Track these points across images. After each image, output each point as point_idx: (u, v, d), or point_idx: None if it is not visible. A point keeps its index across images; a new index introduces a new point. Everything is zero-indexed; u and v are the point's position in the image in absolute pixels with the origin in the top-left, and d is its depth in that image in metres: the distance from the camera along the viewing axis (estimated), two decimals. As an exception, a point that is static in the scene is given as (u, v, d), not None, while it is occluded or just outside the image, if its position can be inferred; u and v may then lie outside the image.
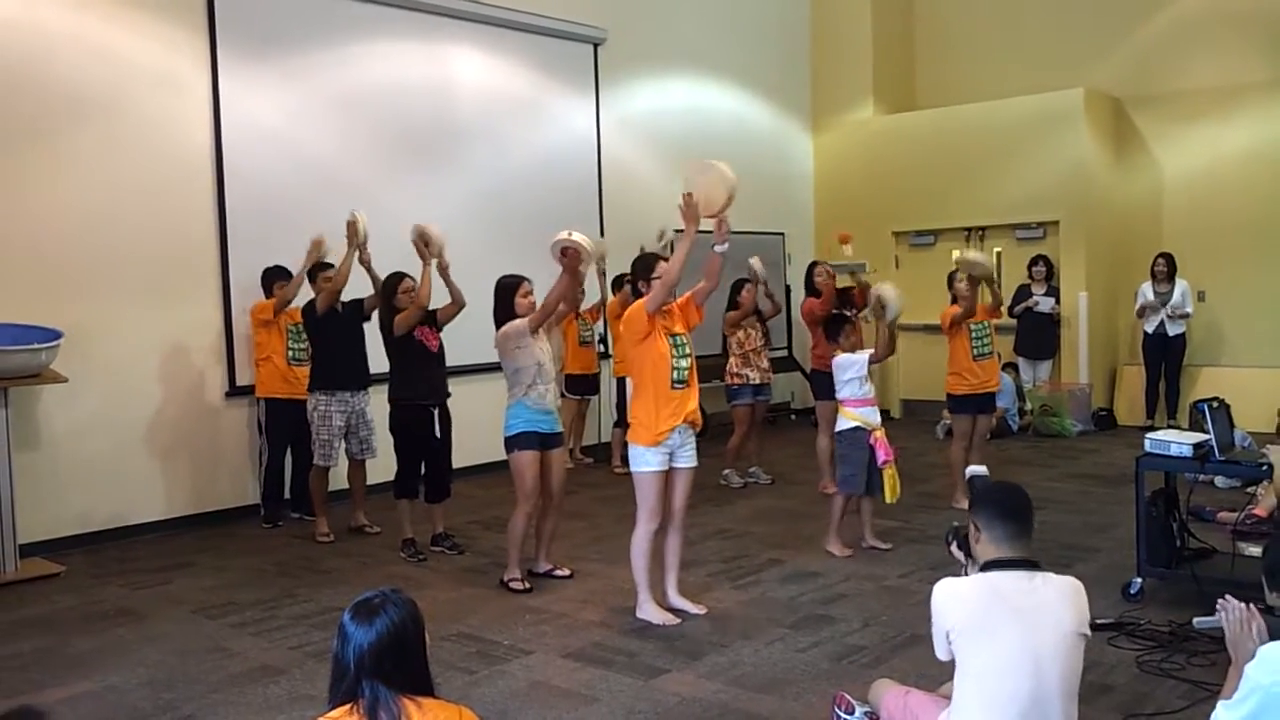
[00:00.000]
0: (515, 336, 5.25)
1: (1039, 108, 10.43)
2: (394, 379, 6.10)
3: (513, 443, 5.29)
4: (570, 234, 5.21)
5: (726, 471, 7.79)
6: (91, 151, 6.67)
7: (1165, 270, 9.67)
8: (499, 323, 5.35)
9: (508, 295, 5.39)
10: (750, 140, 11.37)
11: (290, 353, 6.94)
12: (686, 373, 4.77)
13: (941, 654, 2.89)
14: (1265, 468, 4.74)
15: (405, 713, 2.07)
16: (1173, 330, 9.71)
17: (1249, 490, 6.41)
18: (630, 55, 10.04)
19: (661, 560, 4.93)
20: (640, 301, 4.76)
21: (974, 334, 6.83)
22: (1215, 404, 4.72)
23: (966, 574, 3.10)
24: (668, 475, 4.79)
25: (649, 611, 4.82)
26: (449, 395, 6.22)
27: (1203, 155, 10.21)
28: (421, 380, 6.02)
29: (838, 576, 5.45)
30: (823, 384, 6.92)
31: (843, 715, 3.53)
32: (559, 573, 5.61)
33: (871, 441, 5.76)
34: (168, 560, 6.26)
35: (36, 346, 5.90)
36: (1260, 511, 5.90)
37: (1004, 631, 2.76)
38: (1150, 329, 9.79)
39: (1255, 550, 4.96)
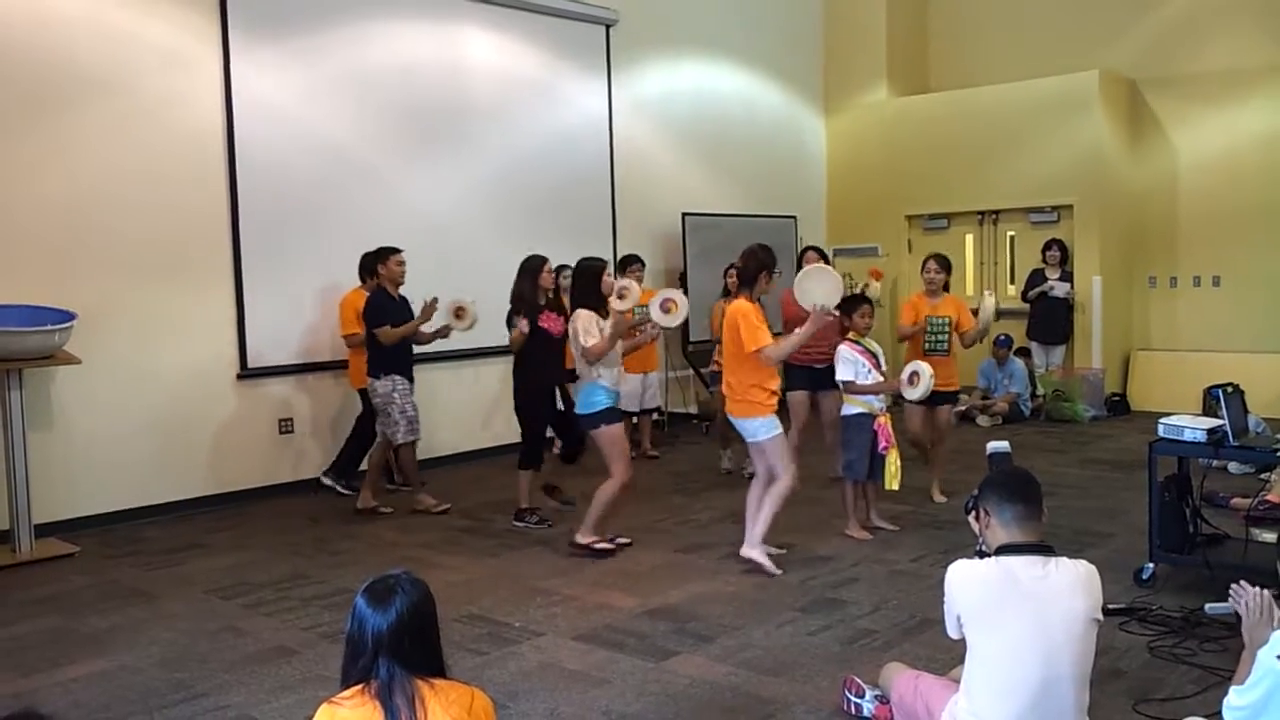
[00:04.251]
0: (586, 324, 5.56)
1: (1054, 90, 10.35)
2: (520, 362, 6.38)
3: (599, 418, 5.54)
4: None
5: (722, 452, 7.82)
6: (103, 132, 6.67)
7: None
8: (582, 305, 5.65)
9: (594, 279, 5.69)
10: (762, 123, 11.33)
11: None
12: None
13: (952, 632, 2.92)
14: (1279, 453, 4.71)
15: (419, 693, 2.08)
16: None
17: (1262, 476, 6.39)
18: (642, 37, 9.99)
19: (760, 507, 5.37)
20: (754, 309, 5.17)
21: (930, 328, 6.60)
22: (1229, 389, 4.69)
23: (981, 550, 3.10)
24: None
25: (757, 554, 5.29)
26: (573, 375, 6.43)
27: (1219, 138, 10.13)
28: (540, 363, 6.27)
29: (849, 560, 5.45)
30: (796, 376, 6.83)
31: (853, 698, 3.54)
32: (622, 540, 5.90)
33: (875, 427, 5.77)
34: (180, 541, 6.30)
35: (50, 328, 5.93)
36: (1274, 497, 5.88)
37: (1016, 617, 2.76)
38: None
39: (1269, 536, 4.95)
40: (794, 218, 11.27)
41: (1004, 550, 2.86)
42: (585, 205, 9.56)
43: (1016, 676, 2.76)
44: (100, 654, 4.40)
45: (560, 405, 6.56)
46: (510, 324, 6.47)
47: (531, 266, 6.25)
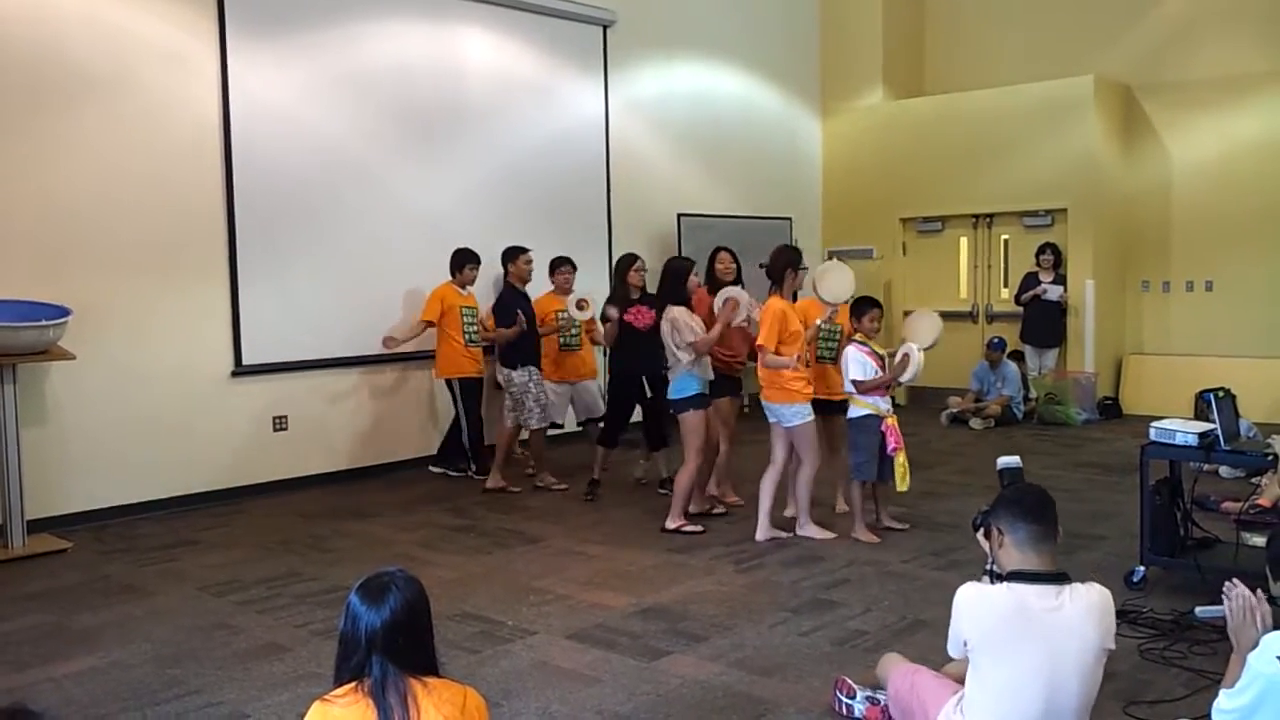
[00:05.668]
0: (687, 320, 6.03)
1: (1049, 95, 10.38)
2: (612, 353, 7.13)
3: (690, 403, 6.02)
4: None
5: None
6: (100, 129, 6.66)
7: None
8: (670, 303, 6.10)
9: (681, 278, 6.17)
10: (758, 125, 11.34)
11: (466, 335, 7.56)
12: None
13: (954, 654, 2.87)
14: (1270, 458, 4.73)
15: (412, 692, 2.09)
16: None
17: (1253, 480, 6.39)
18: (639, 38, 9.99)
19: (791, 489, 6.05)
20: (784, 309, 5.71)
21: (824, 335, 6.26)
22: (1221, 393, 4.71)
23: (991, 571, 3.04)
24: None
25: (811, 530, 5.85)
26: (664, 366, 6.59)
27: (1212, 144, 10.16)
28: (629, 354, 6.76)
29: (841, 561, 5.46)
30: (720, 386, 6.39)
31: (844, 699, 3.55)
32: (730, 499, 6.62)
33: (883, 429, 5.78)
34: (174, 538, 6.29)
35: (44, 324, 5.92)
36: (1264, 501, 5.91)
37: (1026, 651, 2.70)
38: None
39: (1259, 540, 4.96)
40: (789, 219, 11.29)
41: (1017, 577, 2.78)
42: (581, 205, 9.57)
43: (1019, 705, 2.72)
44: (92, 650, 4.40)
45: (648, 393, 6.79)
46: (604, 318, 6.92)
47: (621, 266, 6.83)
